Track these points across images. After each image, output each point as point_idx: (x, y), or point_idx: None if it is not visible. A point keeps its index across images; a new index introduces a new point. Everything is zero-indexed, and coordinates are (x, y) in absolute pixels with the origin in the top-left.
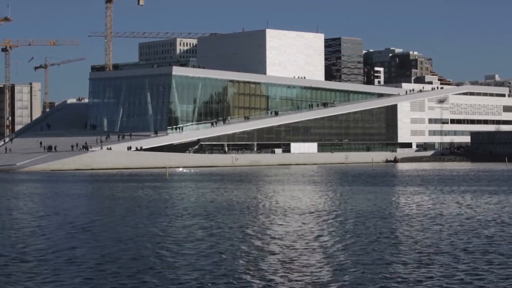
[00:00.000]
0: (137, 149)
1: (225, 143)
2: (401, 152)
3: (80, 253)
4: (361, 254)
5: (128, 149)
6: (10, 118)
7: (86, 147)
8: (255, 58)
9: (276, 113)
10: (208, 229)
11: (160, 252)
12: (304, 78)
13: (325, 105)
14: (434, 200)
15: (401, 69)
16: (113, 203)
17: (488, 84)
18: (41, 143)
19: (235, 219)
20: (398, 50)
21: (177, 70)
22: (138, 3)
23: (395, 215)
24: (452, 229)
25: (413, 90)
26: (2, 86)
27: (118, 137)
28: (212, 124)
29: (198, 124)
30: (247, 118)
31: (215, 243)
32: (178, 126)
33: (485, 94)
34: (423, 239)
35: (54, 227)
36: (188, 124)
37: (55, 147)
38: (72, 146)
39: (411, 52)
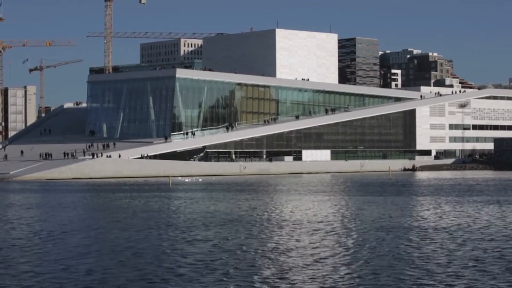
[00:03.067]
0: (149, 157)
1: (232, 150)
2: (420, 160)
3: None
4: (364, 267)
5: (142, 157)
6: (3, 124)
7: (92, 154)
8: (264, 60)
9: (297, 117)
10: (207, 242)
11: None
12: (308, 79)
13: (333, 110)
14: (453, 212)
15: (419, 72)
16: (99, 215)
17: None
18: (22, 152)
19: (238, 232)
20: (416, 51)
21: (181, 73)
22: (140, 1)
23: (409, 228)
24: (459, 242)
25: (438, 93)
26: None
27: (103, 146)
28: (227, 128)
29: (203, 130)
30: (267, 122)
31: (212, 255)
32: (188, 131)
33: (509, 98)
34: (436, 254)
35: (24, 238)
36: (193, 130)
37: (50, 155)
38: (65, 154)
39: (430, 53)
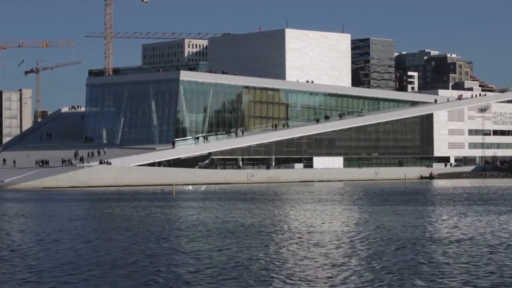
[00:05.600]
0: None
1: (240, 157)
2: (437, 168)
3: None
4: (370, 281)
5: (156, 165)
6: None
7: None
8: (273, 62)
9: (317, 121)
10: (205, 253)
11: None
12: (312, 81)
13: (340, 116)
14: (469, 223)
15: (437, 74)
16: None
17: None
18: (4, 160)
19: (238, 243)
20: (434, 53)
21: (185, 75)
22: (142, 0)
23: (421, 240)
24: (471, 255)
25: (461, 96)
26: None
27: (88, 154)
28: (235, 134)
29: (209, 135)
30: (278, 127)
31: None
32: (198, 136)
33: None
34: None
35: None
36: (205, 135)
37: (47, 162)
38: (64, 161)
39: (448, 55)
